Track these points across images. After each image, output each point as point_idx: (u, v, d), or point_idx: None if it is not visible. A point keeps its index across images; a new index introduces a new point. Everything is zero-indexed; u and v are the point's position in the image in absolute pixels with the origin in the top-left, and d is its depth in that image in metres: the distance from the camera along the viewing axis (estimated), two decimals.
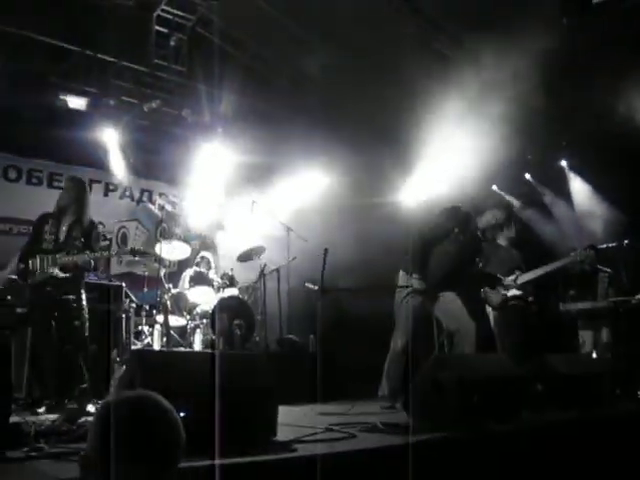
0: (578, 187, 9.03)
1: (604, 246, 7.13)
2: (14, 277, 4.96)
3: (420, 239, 5.12)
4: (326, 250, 6.31)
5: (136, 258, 6.69)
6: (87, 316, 4.91)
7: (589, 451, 3.62)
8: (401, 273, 5.24)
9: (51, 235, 4.89)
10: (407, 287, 5.03)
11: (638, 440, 3.73)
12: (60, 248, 4.86)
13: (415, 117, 6.66)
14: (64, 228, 4.94)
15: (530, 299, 6.26)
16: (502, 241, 6.41)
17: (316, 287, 6.33)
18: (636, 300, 6.60)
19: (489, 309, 6.23)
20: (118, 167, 7.98)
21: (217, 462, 2.32)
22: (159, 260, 6.72)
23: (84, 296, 4.96)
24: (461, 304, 5.05)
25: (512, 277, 6.13)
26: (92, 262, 5.00)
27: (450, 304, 5.04)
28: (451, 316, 4.98)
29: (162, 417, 1.42)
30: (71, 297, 4.82)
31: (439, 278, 5.07)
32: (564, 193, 9.11)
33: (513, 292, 6.15)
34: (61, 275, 4.80)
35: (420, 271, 5.02)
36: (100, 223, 8.16)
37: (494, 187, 9.94)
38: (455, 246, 5.24)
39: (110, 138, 7.74)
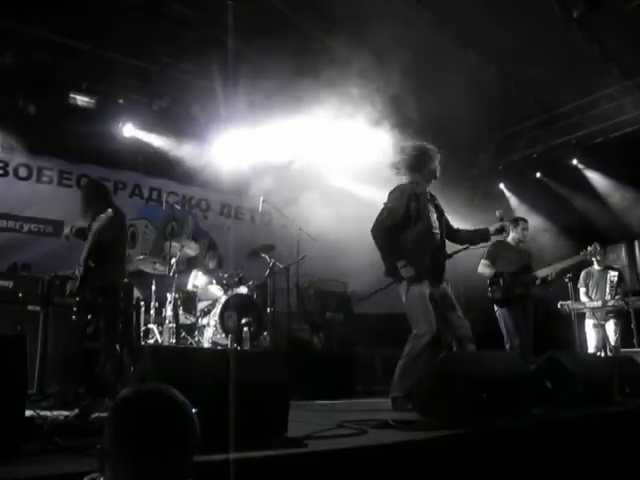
0: (594, 178, 9.08)
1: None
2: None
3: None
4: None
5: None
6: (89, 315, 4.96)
7: (598, 449, 3.63)
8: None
9: None
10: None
11: None
12: None
13: None
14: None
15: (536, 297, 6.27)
16: (511, 241, 6.41)
17: None
18: None
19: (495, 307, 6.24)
20: (127, 165, 8.03)
21: (229, 456, 2.33)
22: (169, 258, 6.76)
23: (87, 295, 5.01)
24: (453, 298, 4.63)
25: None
26: None
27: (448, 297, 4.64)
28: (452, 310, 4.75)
29: (177, 411, 1.43)
30: (78, 297, 4.89)
31: (423, 262, 4.54)
32: (579, 186, 9.13)
33: (519, 290, 6.15)
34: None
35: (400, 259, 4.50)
36: None
37: (501, 186, 9.95)
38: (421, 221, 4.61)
39: (119, 136, 7.79)
